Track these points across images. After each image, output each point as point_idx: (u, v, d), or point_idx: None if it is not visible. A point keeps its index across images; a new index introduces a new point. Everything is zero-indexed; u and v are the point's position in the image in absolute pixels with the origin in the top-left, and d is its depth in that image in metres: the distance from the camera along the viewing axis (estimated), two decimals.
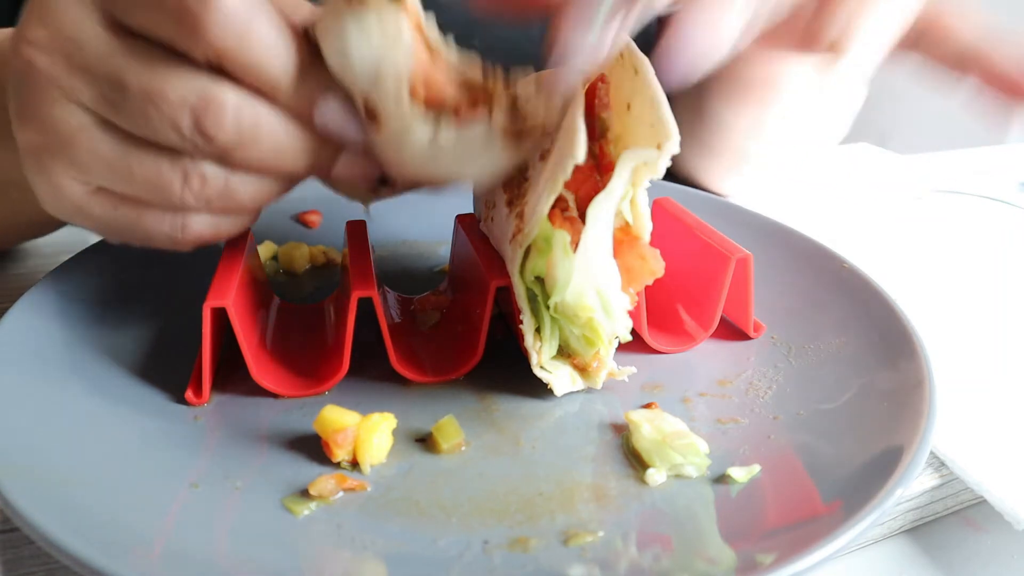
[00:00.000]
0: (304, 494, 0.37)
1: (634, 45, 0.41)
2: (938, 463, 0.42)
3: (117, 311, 0.50)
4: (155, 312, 0.51)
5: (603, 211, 0.39)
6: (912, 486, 0.40)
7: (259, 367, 0.44)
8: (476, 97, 0.39)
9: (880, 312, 0.48)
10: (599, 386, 0.44)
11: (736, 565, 0.32)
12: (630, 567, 0.33)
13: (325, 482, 0.37)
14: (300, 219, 0.64)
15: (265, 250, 0.59)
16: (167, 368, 0.45)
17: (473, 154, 0.39)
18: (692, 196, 0.65)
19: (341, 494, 0.37)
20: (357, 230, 0.50)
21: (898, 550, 0.40)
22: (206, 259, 0.56)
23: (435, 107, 0.38)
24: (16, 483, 0.34)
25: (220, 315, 0.43)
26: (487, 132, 0.39)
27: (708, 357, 0.49)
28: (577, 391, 0.45)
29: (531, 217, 0.41)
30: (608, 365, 0.44)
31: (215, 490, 0.37)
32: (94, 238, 0.64)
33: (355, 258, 0.47)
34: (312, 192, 0.66)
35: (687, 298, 0.52)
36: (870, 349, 0.46)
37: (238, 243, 0.48)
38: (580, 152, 0.37)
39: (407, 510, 0.36)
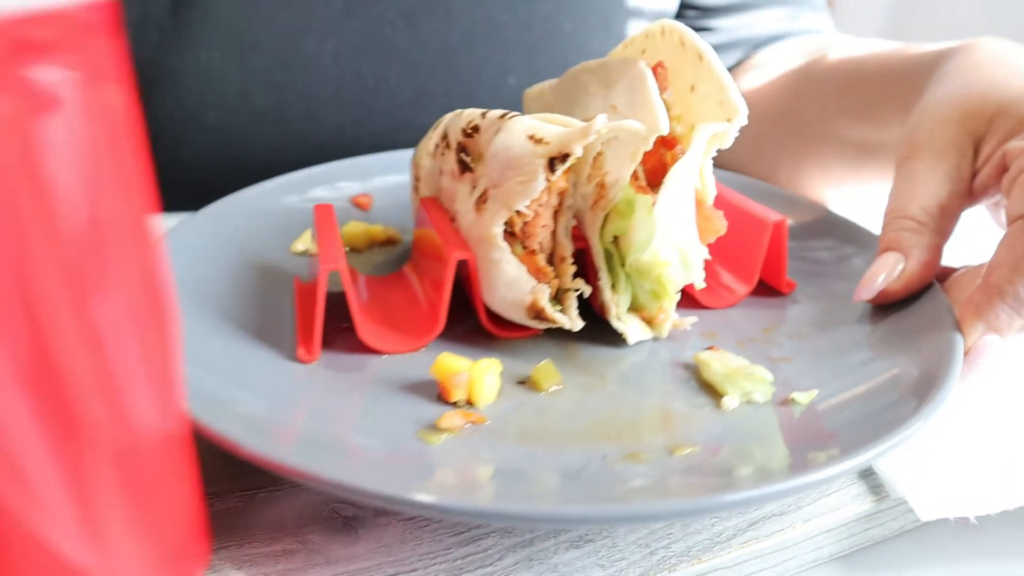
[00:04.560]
0: (434, 428, 0.42)
1: (694, 33, 0.47)
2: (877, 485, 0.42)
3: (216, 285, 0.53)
4: (237, 289, 0.55)
5: (683, 175, 0.46)
6: (845, 511, 0.41)
7: (364, 326, 0.49)
8: None
9: None
10: (665, 335, 0.51)
11: (807, 462, 0.39)
12: (724, 468, 0.39)
13: (453, 416, 0.42)
14: (353, 202, 0.69)
15: None
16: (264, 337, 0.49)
17: None
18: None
19: (468, 426, 0.43)
20: (433, 205, 0.55)
21: None
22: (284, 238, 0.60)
23: None
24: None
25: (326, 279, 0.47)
26: None
27: (749, 311, 0.55)
28: (646, 340, 0.51)
29: (613, 185, 0.47)
30: (672, 316, 0.50)
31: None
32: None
33: (441, 226, 0.52)
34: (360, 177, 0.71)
35: (726, 259, 0.58)
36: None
37: (329, 214, 0.53)
38: (664, 125, 0.43)
39: (526, 437, 0.42)
